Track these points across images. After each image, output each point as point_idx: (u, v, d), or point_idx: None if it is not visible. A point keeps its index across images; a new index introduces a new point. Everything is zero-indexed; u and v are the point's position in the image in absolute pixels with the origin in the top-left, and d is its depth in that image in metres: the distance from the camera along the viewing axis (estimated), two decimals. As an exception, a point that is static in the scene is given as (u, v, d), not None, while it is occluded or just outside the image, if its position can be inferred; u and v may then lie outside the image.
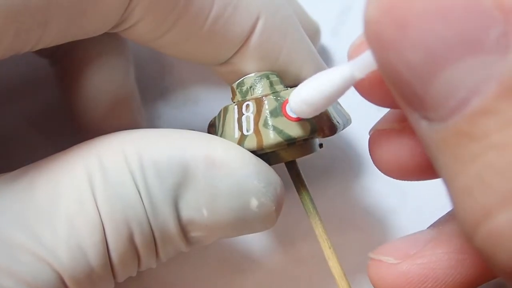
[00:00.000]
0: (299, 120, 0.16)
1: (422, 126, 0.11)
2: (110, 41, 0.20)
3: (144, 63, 0.25)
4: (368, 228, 0.25)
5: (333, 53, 0.27)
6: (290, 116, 0.16)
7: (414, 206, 0.25)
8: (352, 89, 0.23)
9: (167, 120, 0.25)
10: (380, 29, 0.10)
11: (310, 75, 0.19)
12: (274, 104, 0.17)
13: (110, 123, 0.20)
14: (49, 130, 0.24)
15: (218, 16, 0.17)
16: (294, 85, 0.19)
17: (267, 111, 0.17)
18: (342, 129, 0.18)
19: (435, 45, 0.09)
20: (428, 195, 0.25)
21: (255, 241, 0.24)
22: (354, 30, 0.27)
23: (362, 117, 0.26)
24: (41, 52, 0.20)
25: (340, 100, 0.26)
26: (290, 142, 0.17)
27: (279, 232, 0.24)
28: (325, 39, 0.27)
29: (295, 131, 0.16)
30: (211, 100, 0.26)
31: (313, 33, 0.24)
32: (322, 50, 0.26)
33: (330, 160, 0.25)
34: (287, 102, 0.16)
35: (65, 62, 0.20)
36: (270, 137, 0.16)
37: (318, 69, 0.19)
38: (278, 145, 0.17)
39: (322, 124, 0.17)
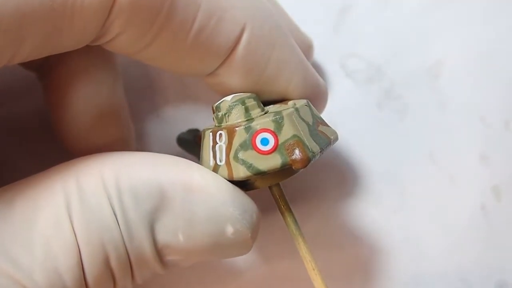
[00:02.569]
0: (269, 153, 0.16)
1: None
2: (97, 53, 0.20)
3: (143, 62, 0.25)
4: (354, 248, 0.25)
5: (334, 51, 0.26)
6: (259, 149, 0.16)
7: (402, 225, 0.25)
8: (349, 90, 0.23)
9: (166, 118, 0.25)
10: None
11: (299, 87, 0.19)
12: (244, 136, 0.16)
13: (96, 139, 0.20)
14: (30, 140, 0.24)
15: (202, 27, 0.17)
16: (282, 99, 0.19)
17: (237, 144, 0.16)
18: (321, 155, 0.17)
19: None
20: (418, 222, 0.25)
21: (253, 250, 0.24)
22: (356, 27, 0.26)
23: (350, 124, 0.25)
24: (27, 66, 0.20)
25: (337, 100, 0.26)
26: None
27: (271, 248, 0.24)
28: (326, 36, 0.26)
29: (264, 165, 0.16)
30: (210, 98, 0.25)
31: (306, 48, 0.23)
32: (323, 48, 0.26)
33: (316, 175, 0.25)
34: (258, 134, 0.16)
35: (52, 76, 0.20)
36: (239, 171, 0.16)
37: (307, 80, 0.19)
38: (248, 178, 0.16)
39: (294, 157, 0.16)
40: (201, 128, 0.22)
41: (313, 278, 0.17)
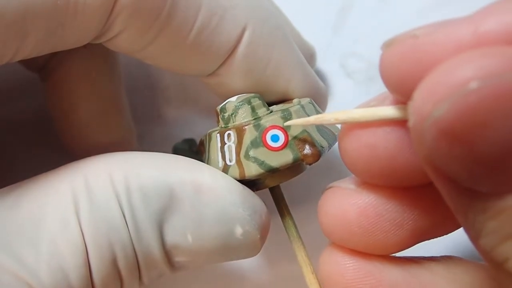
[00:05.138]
0: (280, 149, 0.16)
1: (464, 194, 0.11)
2: (99, 54, 0.20)
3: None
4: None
5: (334, 51, 0.26)
6: (270, 146, 0.16)
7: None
8: (349, 90, 0.23)
9: (167, 119, 0.25)
10: (452, 128, 0.11)
11: (299, 87, 0.19)
12: (255, 134, 0.16)
13: (97, 139, 0.20)
14: (34, 140, 0.24)
15: (203, 27, 0.17)
16: (281, 100, 0.19)
17: (248, 142, 0.16)
18: (329, 150, 0.17)
19: None
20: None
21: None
22: (356, 27, 0.26)
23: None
24: (30, 67, 0.20)
25: (337, 100, 0.26)
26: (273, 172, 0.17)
27: (275, 250, 0.24)
28: (326, 35, 0.26)
29: (276, 161, 0.16)
30: (211, 98, 0.25)
31: (309, 56, 0.23)
32: (323, 48, 0.26)
33: (316, 176, 0.25)
34: (268, 131, 0.16)
35: (54, 77, 0.20)
36: (252, 169, 0.16)
37: (307, 82, 0.19)
38: (260, 175, 0.16)
39: (305, 152, 0.16)
40: (196, 138, 0.22)
41: (311, 282, 0.17)
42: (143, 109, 0.25)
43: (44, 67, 0.20)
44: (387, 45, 0.13)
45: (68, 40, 0.16)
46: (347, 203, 0.15)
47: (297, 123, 0.16)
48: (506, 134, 0.10)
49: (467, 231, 0.12)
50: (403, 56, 0.13)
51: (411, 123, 0.12)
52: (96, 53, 0.20)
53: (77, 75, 0.20)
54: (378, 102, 0.14)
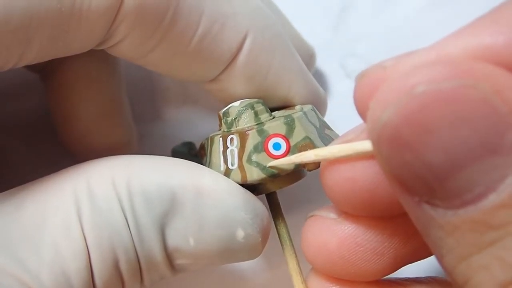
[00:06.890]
0: (281, 157, 0.16)
1: (424, 209, 0.11)
2: (100, 55, 0.20)
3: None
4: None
5: (334, 51, 0.26)
6: (272, 154, 0.16)
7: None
8: (349, 90, 0.23)
9: (167, 120, 0.25)
10: (400, 132, 0.11)
11: (299, 94, 0.19)
12: (258, 139, 0.16)
13: (98, 140, 0.20)
14: (31, 139, 0.24)
15: (204, 34, 0.17)
16: (283, 106, 0.19)
17: (251, 147, 0.16)
18: None
19: (457, 148, 0.10)
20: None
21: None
22: (356, 27, 0.26)
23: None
24: (31, 67, 0.20)
25: (337, 100, 0.26)
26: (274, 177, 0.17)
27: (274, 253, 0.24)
28: (326, 36, 0.26)
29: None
30: (210, 100, 0.25)
31: (308, 57, 0.23)
32: (323, 48, 0.26)
33: (315, 179, 0.25)
34: (270, 139, 0.16)
35: (55, 77, 0.20)
36: (253, 174, 0.16)
37: (307, 88, 0.19)
38: (261, 180, 0.17)
39: None
40: (196, 138, 0.22)
41: None
42: (143, 109, 0.25)
43: (45, 67, 0.20)
44: (360, 77, 0.13)
45: (72, 47, 0.16)
46: (327, 234, 0.16)
47: (280, 163, 0.16)
48: (450, 141, 0.10)
49: (432, 250, 0.12)
50: (372, 87, 0.13)
51: (367, 133, 0.12)
52: (97, 54, 0.20)
53: (78, 76, 0.20)
54: (356, 134, 0.15)
